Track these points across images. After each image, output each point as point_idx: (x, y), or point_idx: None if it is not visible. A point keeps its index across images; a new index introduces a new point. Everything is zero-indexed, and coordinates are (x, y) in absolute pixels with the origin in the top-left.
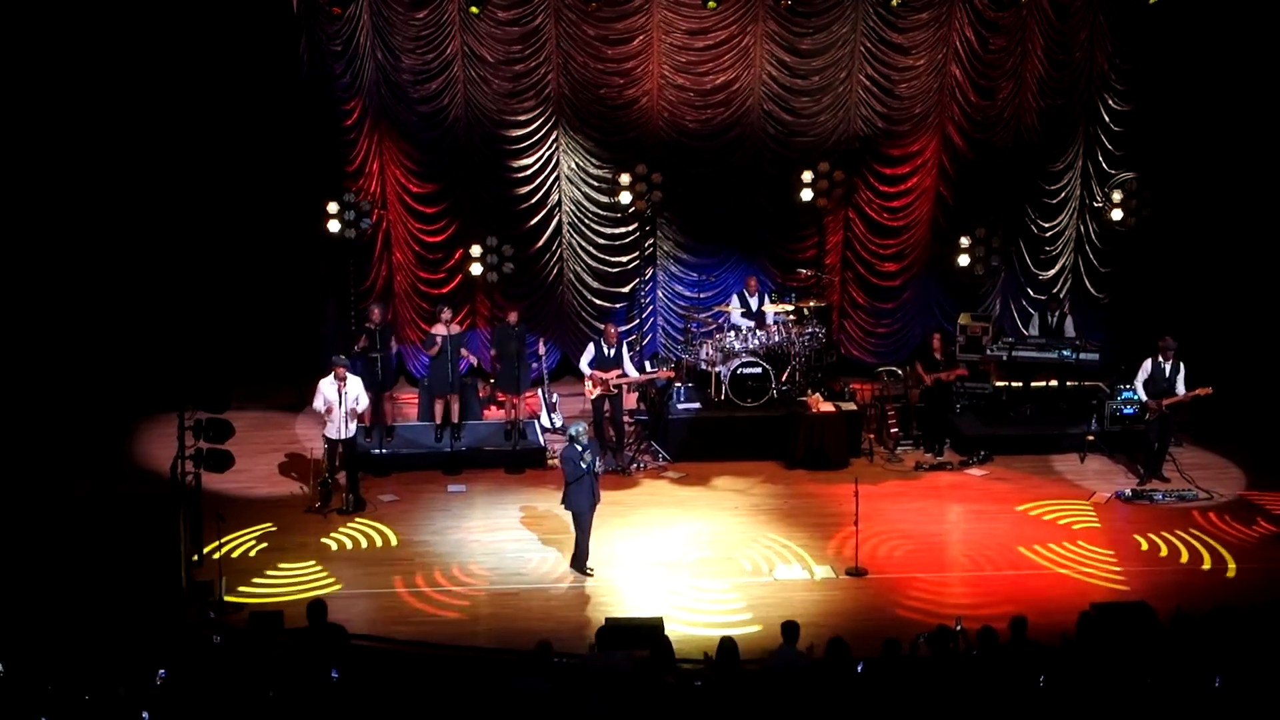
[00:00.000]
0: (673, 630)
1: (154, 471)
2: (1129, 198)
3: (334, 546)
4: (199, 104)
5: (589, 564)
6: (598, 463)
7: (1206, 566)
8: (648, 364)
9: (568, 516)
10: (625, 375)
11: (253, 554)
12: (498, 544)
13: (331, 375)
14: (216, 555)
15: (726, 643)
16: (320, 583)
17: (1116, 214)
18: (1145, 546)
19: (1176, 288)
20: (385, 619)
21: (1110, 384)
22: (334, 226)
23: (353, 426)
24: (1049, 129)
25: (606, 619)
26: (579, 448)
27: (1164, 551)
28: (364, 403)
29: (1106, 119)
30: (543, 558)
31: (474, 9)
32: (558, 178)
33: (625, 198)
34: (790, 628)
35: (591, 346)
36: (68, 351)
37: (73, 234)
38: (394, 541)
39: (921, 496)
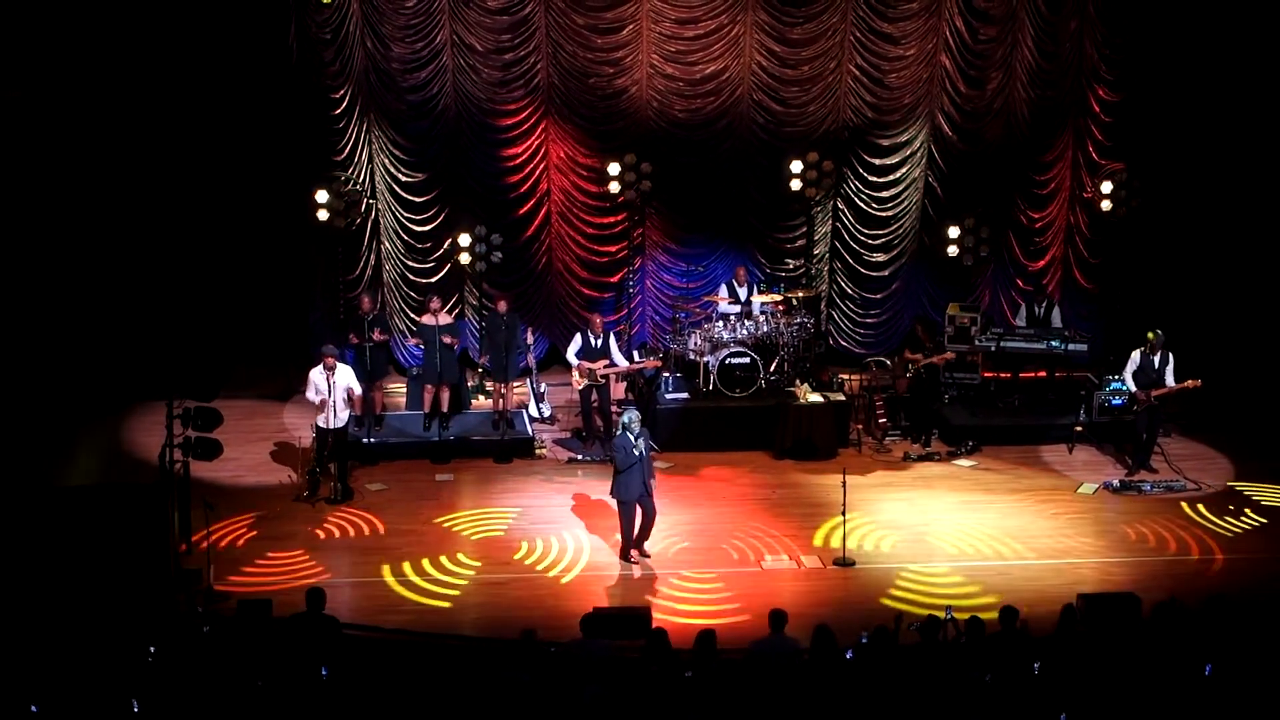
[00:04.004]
0: (660, 620)
1: (143, 460)
2: (1118, 188)
3: (322, 535)
4: (188, 92)
5: (647, 547)
6: (648, 450)
7: (1194, 557)
8: (636, 354)
9: (614, 505)
10: (613, 365)
11: (240, 543)
12: (485, 533)
13: (321, 365)
14: (204, 544)
15: (705, 635)
16: (307, 572)
17: (1106, 205)
18: (1133, 537)
19: (1166, 279)
20: (373, 608)
21: (1099, 375)
22: (323, 215)
23: (344, 416)
24: (1039, 120)
25: (594, 608)
26: (631, 436)
27: (1152, 542)
28: (357, 390)
29: (1096, 110)
30: (530, 547)
31: None
32: (547, 167)
33: (615, 187)
34: (778, 616)
35: (578, 337)
36: (55, 340)
37: (61, 223)
38: (382, 530)
39: (909, 487)
